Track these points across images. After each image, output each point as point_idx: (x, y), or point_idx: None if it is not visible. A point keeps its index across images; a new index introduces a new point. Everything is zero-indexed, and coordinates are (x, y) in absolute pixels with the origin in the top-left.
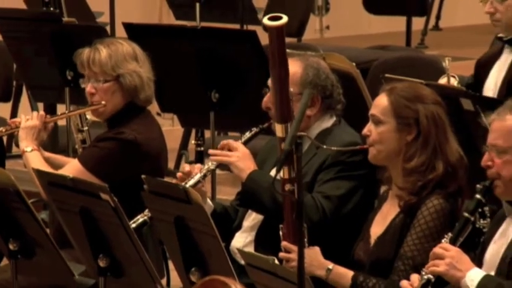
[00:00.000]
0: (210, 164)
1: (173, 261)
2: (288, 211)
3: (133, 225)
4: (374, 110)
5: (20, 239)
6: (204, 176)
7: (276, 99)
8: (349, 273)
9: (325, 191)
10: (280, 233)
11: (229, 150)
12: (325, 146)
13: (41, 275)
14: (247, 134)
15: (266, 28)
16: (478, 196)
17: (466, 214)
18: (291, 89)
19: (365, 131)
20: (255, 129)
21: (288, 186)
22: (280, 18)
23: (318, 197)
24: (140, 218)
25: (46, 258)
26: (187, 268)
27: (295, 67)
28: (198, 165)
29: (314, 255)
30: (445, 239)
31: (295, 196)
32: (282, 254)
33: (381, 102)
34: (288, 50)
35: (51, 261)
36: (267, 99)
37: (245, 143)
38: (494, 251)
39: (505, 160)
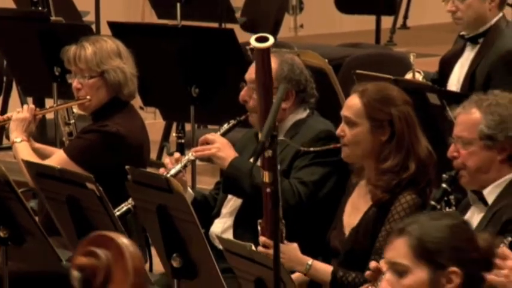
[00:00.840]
0: (190, 155)
1: (155, 247)
2: (267, 208)
3: (118, 213)
4: (347, 112)
5: (10, 227)
6: (185, 166)
7: (261, 110)
8: (329, 268)
9: (301, 176)
10: (259, 227)
11: (208, 143)
12: (302, 148)
13: (30, 261)
14: (226, 126)
15: (253, 49)
16: (444, 185)
17: (432, 202)
18: None
19: (339, 131)
20: (232, 122)
21: (270, 189)
22: (266, 39)
23: (295, 182)
24: (124, 207)
25: (35, 245)
26: (169, 254)
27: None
28: (177, 154)
29: (293, 251)
30: None
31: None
32: (260, 249)
33: (353, 104)
34: None
35: (40, 248)
36: (244, 93)
37: (223, 135)
38: None
39: (470, 151)
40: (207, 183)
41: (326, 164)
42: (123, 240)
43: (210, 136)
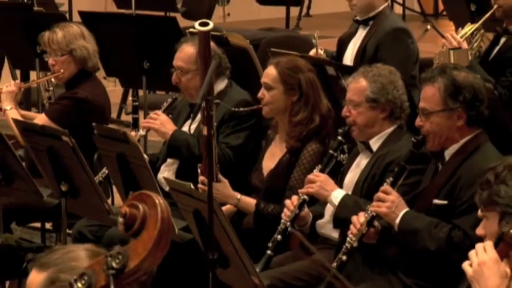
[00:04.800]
0: (141, 131)
1: (116, 186)
2: (205, 154)
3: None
4: (265, 79)
5: (3, 170)
6: (138, 140)
7: (202, 77)
8: (253, 202)
9: (228, 141)
10: (199, 170)
11: (152, 119)
12: (237, 109)
13: (18, 197)
14: (165, 104)
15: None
16: (339, 138)
17: (330, 151)
18: (189, 67)
19: (260, 95)
20: (169, 100)
21: (206, 139)
22: (207, 24)
23: (224, 147)
24: (100, 177)
25: (22, 184)
26: (126, 191)
27: (190, 49)
28: (133, 132)
29: (225, 188)
30: (316, 169)
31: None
32: (200, 186)
33: (270, 73)
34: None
35: (26, 187)
36: (175, 77)
37: (164, 111)
38: (350, 178)
39: (359, 111)
40: (157, 136)
41: (246, 128)
42: (158, 198)
43: (153, 115)
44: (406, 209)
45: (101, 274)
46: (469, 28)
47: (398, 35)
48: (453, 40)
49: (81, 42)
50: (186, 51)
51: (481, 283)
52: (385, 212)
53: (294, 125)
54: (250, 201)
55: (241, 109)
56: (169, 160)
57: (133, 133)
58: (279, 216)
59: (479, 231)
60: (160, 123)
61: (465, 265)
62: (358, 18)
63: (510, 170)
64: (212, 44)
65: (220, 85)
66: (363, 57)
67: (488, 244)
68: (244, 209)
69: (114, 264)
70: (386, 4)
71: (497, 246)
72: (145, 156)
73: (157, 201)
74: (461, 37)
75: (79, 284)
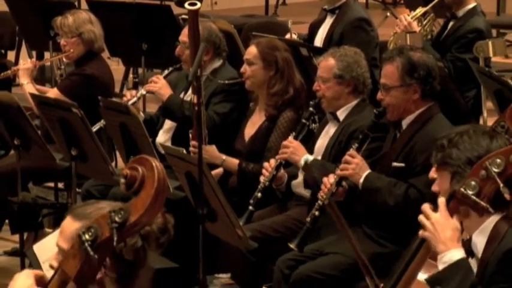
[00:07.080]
0: (142, 91)
1: (119, 151)
2: (195, 121)
3: (94, 130)
4: (247, 56)
5: (22, 137)
6: (138, 98)
7: (191, 52)
8: (236, 161)
9: (215, 109)
10: (190, 135)
11: (154, 82)
12: (223, 81)
13: (35, 160)
14: (166, 72)
15: (185, 9)
16: (311, 109)
17: (303, 120)
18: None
19: (242, 69)
20: (170, 68)
21: (196, 108)
22: (195, 4)
23: (211, 113)
24: (97, 126)
25: (38, 149)
26: (128, 156)
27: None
28: (134, 91)
29: (212, 150)
30: (290, 136)
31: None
32: (191, 149)
33: (252, 51)
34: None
35: (41, 151)
36: (179, 50)
37: (165, 77)
38: (320, 144)
39: (327, 86)
40: (153, 108)
41: (232, 100)
42: (155, 162)
43: (155, 78)
44: (369, 171)
45: (106, 227)
46: (419, 10)
47: (360, 24)
48: (404, 21)
49: (88, 27)
50: None
51: (435, 239)
52: (351, 173)
53: (271, 95)
54: (233, 161)
55: (227, 81)
56: (165, 126)
57: (133, 92)
58: (258, 173)
59: (435, 187)
60: (160, 87)
61: (421, 233)
62: (326, 7)
63: (461, 136)
64: (214, 27)
65: (216, 63)
66: (330, 42)
67: (441, 202)
68: (229, 168)
69: (117, 219)
70: None
71: (449, 203)
72: (142, 114)
73: (154, 164)
74: (411, 18)
75: (87, 236)
